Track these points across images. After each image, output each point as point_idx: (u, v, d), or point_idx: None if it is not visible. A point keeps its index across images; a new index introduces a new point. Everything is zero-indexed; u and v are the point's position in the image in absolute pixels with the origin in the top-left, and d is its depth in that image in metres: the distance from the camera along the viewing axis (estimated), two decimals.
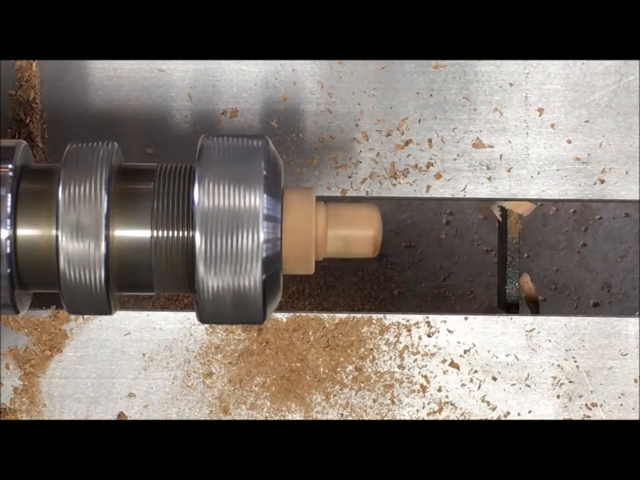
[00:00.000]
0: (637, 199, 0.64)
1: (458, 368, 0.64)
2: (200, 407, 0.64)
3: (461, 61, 0.63)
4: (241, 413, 0.64)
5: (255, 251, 0.46)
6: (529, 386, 0.64)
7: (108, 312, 0.49)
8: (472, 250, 1.30)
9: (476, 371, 0.64)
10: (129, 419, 0.63)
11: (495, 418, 0.63)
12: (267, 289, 0.47)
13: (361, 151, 0.64)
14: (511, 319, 0.65)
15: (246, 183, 0.46)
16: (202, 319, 0.48)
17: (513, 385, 0.64)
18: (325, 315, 0.64)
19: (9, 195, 0.47)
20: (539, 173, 0.64)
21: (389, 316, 0.65)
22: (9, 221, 0.47)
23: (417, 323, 0.64)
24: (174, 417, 0.64)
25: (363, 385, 0.64)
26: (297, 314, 0.64)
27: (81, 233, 0.46)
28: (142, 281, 0.48)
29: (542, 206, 1.33)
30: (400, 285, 1.27)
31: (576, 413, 0.64)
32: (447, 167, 0.64)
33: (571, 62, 0.63)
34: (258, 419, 0.64)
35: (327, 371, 0.64)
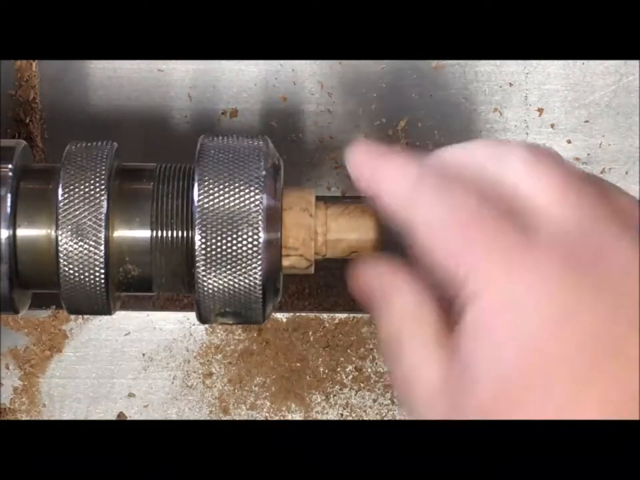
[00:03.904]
0: (637, 198, 0.64)
1: None
2: (200, 407, 0.64)
3: (461, 61, 0.63)
4: (241, 413, 0.64)
5: (255, 251, 0.46)
6: None
7: (108, 312, 0.49)
8: None
9: None
10: (128, 418, 0.63)
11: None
12: (267, 289, 0.47)
13: None
14: None
15: (246, 183, 0.46)
16: (201, 319, 0.48)
17: None
18: (324, 315, 0.64)
19: (9, 195, 0.47)
20: None
21: None
22: (8, 221, 0.47)
23: None
24: (174, 417, 0.64)
25: (362, 385, 0.64)
26: (297, 314, 0.64)
27: (80, 232, 0.46)
28: (142, 281, 0.48)
29: None
30: None
31: None
32: None
33: (570, 62, 0.63)
34: (258, 418, 0.64)
35: (326, 370, 0.64)
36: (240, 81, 0.63)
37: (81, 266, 0.47)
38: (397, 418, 0.63)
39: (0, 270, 0.47)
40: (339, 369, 0.64)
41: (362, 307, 0.44)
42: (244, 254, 0.46)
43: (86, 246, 0.46)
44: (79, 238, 0.46)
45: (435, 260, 0.40)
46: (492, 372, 0.38)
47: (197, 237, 0.46)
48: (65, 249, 0.46)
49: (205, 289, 0.46)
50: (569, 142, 0.64)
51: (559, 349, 0.37)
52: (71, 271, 0.47)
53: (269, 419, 0.64)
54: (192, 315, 0.51)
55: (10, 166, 0.48)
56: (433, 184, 0.41)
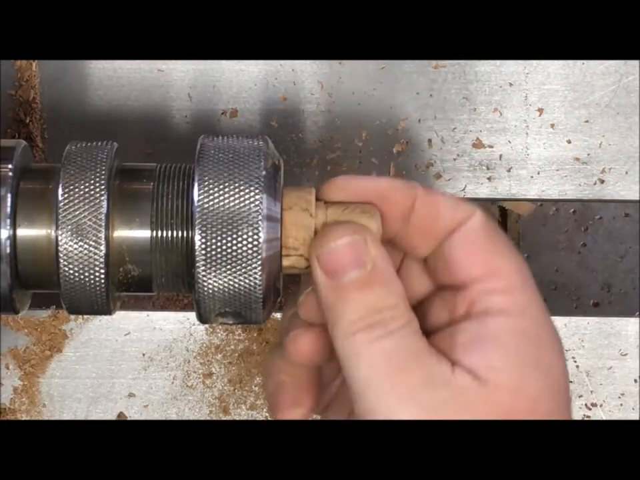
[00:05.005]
0: (637, 198, 0.64)
1: None
2: (200, 407, 0.64)
3: (461, 61, 0.63)
4: (241, 413, 0.64)
5: (255, 251, 0.46)
6: None
7: (108, 312, 0.49)
8: None
9: None
10: (128, 418, 0.63)
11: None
12: (267, 288, 0.47)
13: (360, 151, 0.64)
14: None
15: (246, 182, 0.46)
16: (201, 319, 0.48)
17: None
18: None
19: (9, 195, 0.47)
20: (538, 173, 0.64)
21: None
22: (8, 221, 0.47)
23: None
24: (174, 417, 0.64)
25: None
26: None
27: (80, 232, 0.46)
28: (142, 281, 0.48)
29: (542, 206, 1.33)
30: None
31: (576, 413, 0.64)
32: (447, 167, 0.64)
33: (570, 62, 0.63)
34: (258, 418, 0.64)
35: None
36: (240, 81, 0.63)
37: (80, 266, 0.47)
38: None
39: (0, 270, 0.47)
40: None
41: None
42: (244, 254, 0.46)
43: (86, 246, 0.46)
44: (79, 238, 0.46)
45: None
46: None
47: (197, 237, 0.46)
48: (64, 249, 0.46)
49: (205, 288, 0.46)
50: (569, 142, 0.64)
51: None
52: (71, 271, 0.47)
53: (269, 418, 0.64)
54: (192, 315, 0.51)
55: (10, 166, 0.48)
56: None
